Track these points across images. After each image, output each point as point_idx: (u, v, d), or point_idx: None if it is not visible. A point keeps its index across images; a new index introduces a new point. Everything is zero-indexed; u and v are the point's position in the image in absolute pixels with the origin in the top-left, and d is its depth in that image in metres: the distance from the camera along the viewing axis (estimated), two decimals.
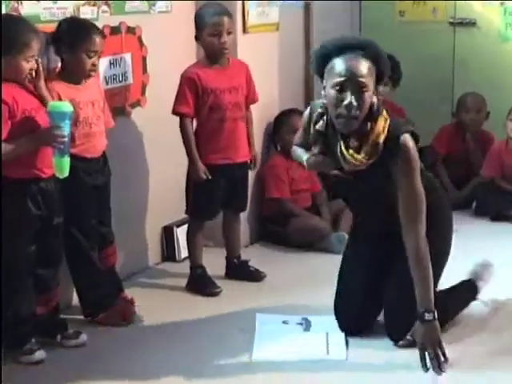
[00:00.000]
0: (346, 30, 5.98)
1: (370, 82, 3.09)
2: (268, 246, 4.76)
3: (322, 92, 3.18)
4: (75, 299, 3.78)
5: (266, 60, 4.75)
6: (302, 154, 3.40)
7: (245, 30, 4.55)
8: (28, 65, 3.14)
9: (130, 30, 4.04)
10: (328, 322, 3.59)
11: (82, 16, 3.67)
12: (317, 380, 3.20)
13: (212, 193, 4.02)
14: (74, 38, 3.43)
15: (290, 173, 4.78)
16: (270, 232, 4.79)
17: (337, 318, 3.56)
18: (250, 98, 4.13)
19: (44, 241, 3.31)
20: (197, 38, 3.99)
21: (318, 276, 4.20)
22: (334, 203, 4.80)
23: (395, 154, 3.13)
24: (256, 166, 4.26)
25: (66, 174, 3.25)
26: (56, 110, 3.19)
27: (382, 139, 3.12)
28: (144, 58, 4.16)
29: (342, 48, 3.10)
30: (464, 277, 3.78)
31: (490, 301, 3.80)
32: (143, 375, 3.23)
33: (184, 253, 4.40)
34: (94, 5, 3.77)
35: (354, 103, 3.05)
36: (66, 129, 3.18)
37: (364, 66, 3.08)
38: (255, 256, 4.43)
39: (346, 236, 4.53)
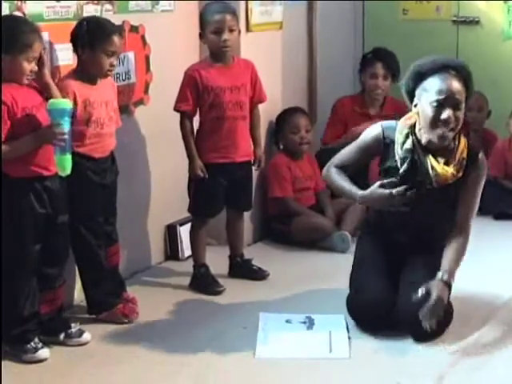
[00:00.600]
0: (349, 28, 5.98)
1: (463, 101, 3.35)
2: (271, 244, 4.76)
3: (414, 109, 3.39)
4: (77, 298, 3.79)
5: (269, 59, 4.74)
6: (350, 187, 3.52)
7: (248, 29, 4.54)
8: (29, 66, 3.14)
9: (134, 29, 4.04)
10: (331, 321, 3.61)
11: (85, 14, 3.67)
12: (320, 378, 3.20)
13: (212, 191, 4.02)
14: (93, 37, 3.44)
15: (292, 171, 4.79)
16: (274, 230, 4.79)
17: (355, 314, 3.55)
18: (256, 97, 4.12)
19: (49, 239, 3.32)
20: (201, 36, 3.99)
21: (321, 275, 4.20)
22: (338, 202, 4.80)
23: (474, 167, 3.44)
24: (261, 166, 4.24)
25: (68, 172, 3.25)
26: (55, 107, 3.18)
27: (465, 155, 3.41)
28: (147, 57, 4.16)
29: (437, 68, 3.34)
30: (468, 275, 3.77)
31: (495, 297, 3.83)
32: (146, 373, 3.23)
33: (187, 251, 4.40)
34: (97, 3, 3.77)
35: (452, 118, 3.29)
36: (65, 126, 3.17)
37: (459, 86, 3.33)
38: (258, 254, 4.43)
39: (349, 235, 4.55)
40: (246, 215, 4.38)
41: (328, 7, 5.53)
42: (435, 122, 3.31)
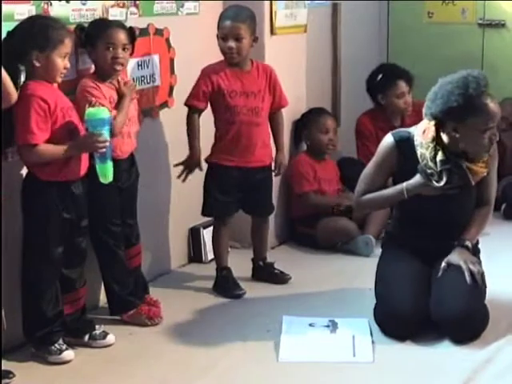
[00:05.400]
0: (373, 32, 5.97)
1: None
2: (295, 247, 4.75)
3: (454, 133, 3.44)
4: (102, 300, 3.81)
5: (293, 62, 4.74)
6: (389, 189, 3.61)
7: (272, 32, 4.53)
8: (63, 62, 3.17)
9: (158, 32, 4.05)
10: (355, 324, 3.60)
11: (111, 18, 3.69)
12: (343, 382, 3.19)
13: (220, 191, 4.00)
14: (93, 34, 3.47)
15: (315, 171, 4.76)
16: (298, 233, 4.78)
17: (385, 327, 3.52)
18: (276, 102, 4.08)
19: (71, 242, 3.33)
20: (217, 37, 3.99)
21: (344, 278, 4.19)
22: None
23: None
24: (281, 171, 4.20)
25: (110, 179, 3.31)
26: (95, 117, 3.22)
27: None
28: (172, 60, 4.17)
29: (476, 97, 3.40)
30: (495, 280, 3.74)
31: None
32: (169, 376, 3.24)
33: (211, 254, 4.40)
34: (122, 6, 3.79)
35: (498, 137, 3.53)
36: (107, 135, 3.23)
37: (498, 105, 3.50)
38: (282, 257, 4.43)
39: (373, 239, 4.53)
40: (271, 218, 4.37)
41: (353, 9, 5.52)
42: (483, 145, 3.46)
